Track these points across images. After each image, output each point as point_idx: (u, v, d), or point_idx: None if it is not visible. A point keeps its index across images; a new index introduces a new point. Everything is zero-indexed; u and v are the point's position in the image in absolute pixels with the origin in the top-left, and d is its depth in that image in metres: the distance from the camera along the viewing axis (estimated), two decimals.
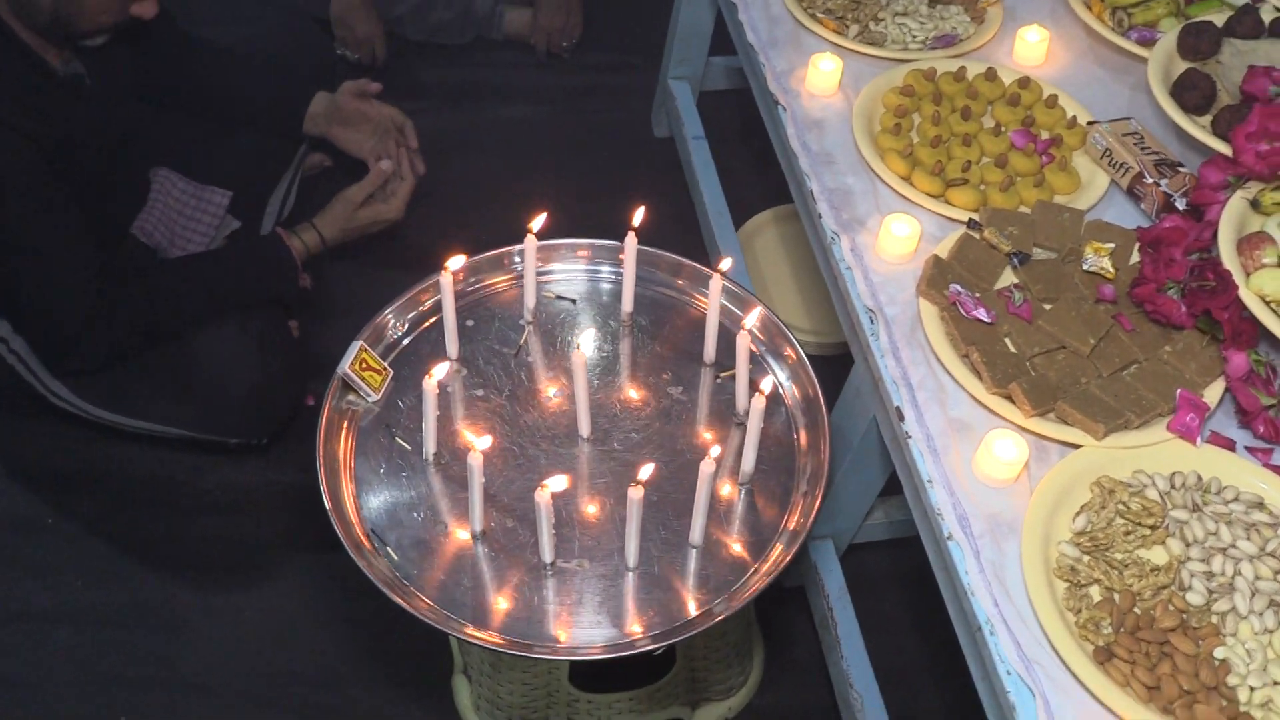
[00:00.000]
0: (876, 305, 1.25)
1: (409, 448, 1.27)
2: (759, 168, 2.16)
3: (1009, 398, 1.15)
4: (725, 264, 1.27)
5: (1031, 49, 1.52)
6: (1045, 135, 1.41)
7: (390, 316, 1.35)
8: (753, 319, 1.23)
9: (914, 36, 1.55)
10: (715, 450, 1.11)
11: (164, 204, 1.81)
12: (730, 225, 1.95)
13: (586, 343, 1.18)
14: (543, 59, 2.38)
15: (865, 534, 1.63)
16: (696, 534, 1.19)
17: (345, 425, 1.27)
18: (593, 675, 1.42)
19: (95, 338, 1.54)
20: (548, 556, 1.16)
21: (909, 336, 1.22)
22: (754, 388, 1.18)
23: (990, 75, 1.47)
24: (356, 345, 1.29)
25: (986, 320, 1.20)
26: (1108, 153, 1.36)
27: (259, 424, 1.66)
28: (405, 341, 1.36)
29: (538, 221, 1.30)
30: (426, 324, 1.38)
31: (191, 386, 1.60)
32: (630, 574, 1.18)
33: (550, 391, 1.32)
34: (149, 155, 1.80)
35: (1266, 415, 1.14)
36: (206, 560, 1.67)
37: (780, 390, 1.32)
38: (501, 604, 1.15)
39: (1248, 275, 1.17)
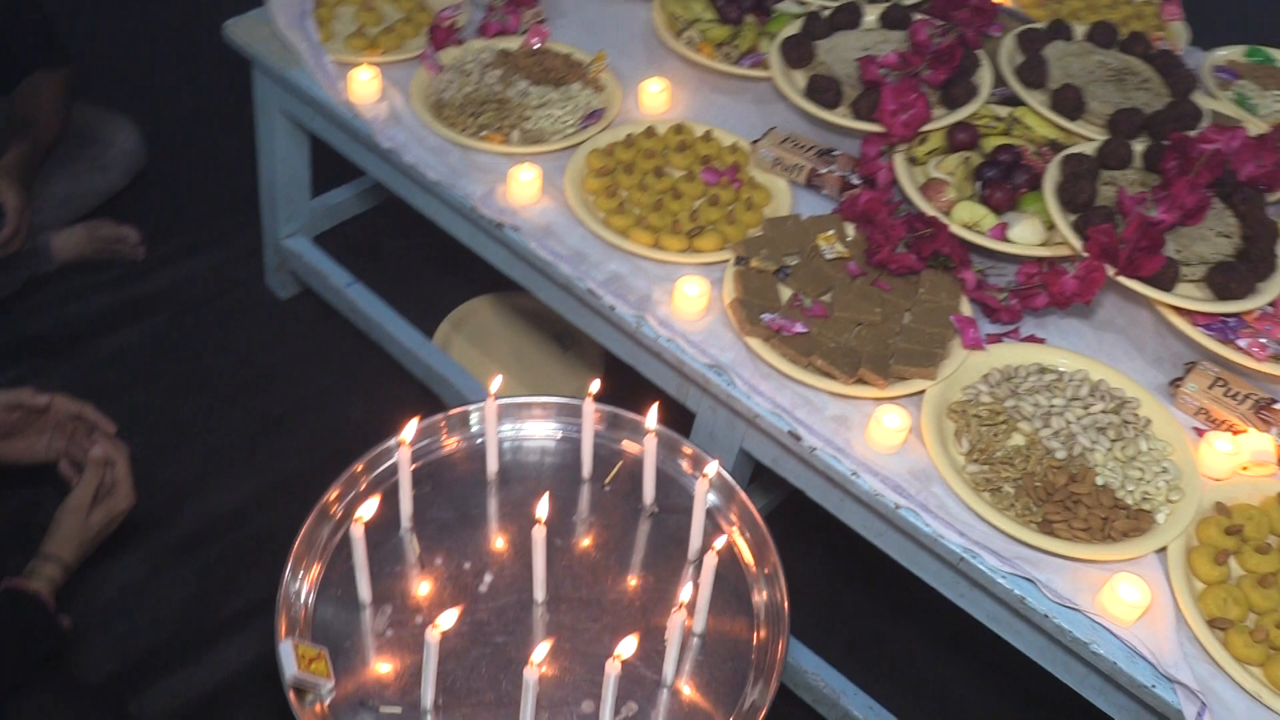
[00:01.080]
0: (714, 359, 1.41)
1: (399, 710, 1.19)
2: (396, 289, 2.17)
3: (860, 381, 1.37)
4: (594, 386, 1.34)
5: (657, 99, 1.73)
6: (722, 166, 1.64)
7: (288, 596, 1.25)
8: (652, 419, 1.32)
9: (566, 123, 1.69)
10: (686, 593, 1.19)
11: None
12: (433, 348, 1.96)
13: (542, 510, 1.20)
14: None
15: None
16: (700, 622, 1.28)
17: None
18: None
19: None
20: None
21: (756, 371, 1.39)
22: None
23: (650, 133, 1.67)
24: (289, 644, 1.17)
25: (805, 331, 1.41)
26: (778, 161, 1.63)
27: None
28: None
29: (409, 430, 1.26)
30: (306, 587, 1.29)
31: None
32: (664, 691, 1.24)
33: (485, 580, 1.30)
34: None
35: (1002, 306, 1.49)
36: None
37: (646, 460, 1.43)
38: None
39: (947, 214, 1.50)
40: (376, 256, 2.26)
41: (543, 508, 1.20)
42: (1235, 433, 1.35)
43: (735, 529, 1.39)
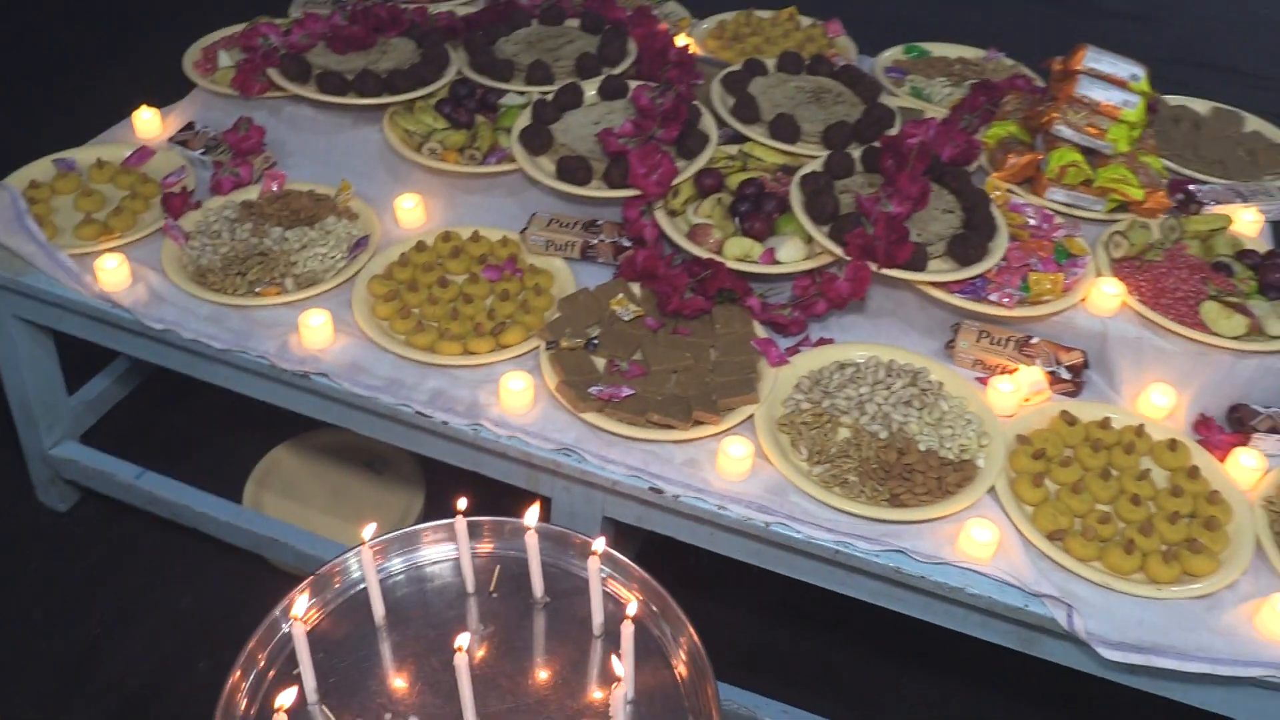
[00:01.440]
0: (558, 443, 1.46)
1: None
2: (187, 464, 2.06)
3: (697, 423, 1.47)
4: (461, 501, 1.35)
5: (413, 214, 1.77)
6: (499, 261, 1.69)
7: None
8: (531, 517, 1.34)
9: (334, 258, 1.68)
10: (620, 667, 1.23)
11: None
12: (251, 514, 1.88)
13: (463, 640, 1.20)
14: None
15: None
16: (630, 689, 1.32)
17: None
18: None
19: None
20: None
21: (604, 443, 1.46)
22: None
23: (421, 247, 1.70)
24: None
25: (632, 392, 1.49)
26: (549, 243, 1.70)
27: None
28: None
29: (299, 605, 1.22)
30: None
31: None
32: None
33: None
34: None
35: (789, 320, 1.63)
36: None
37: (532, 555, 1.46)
38: None
39: (719, 253, 1.63)
40: (155, 437, 2.13)
41: (463, 639, 1.21)
42: (1009, 372, 1.56)
43: (626, 590, 1.44)
